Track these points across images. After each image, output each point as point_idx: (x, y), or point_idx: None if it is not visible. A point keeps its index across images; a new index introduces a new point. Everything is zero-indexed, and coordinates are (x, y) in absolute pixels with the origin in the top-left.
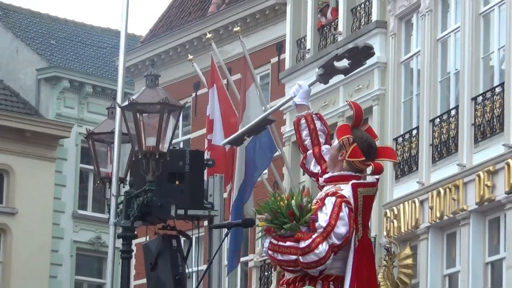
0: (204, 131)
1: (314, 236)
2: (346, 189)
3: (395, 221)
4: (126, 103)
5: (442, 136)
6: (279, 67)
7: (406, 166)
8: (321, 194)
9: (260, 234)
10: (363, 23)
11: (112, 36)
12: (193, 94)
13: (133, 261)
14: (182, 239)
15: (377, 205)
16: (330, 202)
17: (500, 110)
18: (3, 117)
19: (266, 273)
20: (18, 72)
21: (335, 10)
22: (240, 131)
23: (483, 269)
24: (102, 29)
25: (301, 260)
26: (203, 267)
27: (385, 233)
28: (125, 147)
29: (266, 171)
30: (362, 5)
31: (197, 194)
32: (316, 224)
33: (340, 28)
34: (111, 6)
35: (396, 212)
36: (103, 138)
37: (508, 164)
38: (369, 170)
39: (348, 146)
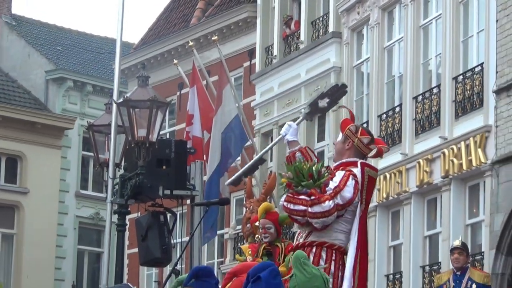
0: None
1: (323, 195)
2: (355, 169)
3: None
4: (121, 100)
5: (388, 129)
6: (251, 70)
7: None
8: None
9: (283, 190)
10: (321, 34)
11: (109, 43)
12: (178, 93)
13: (127, 233)
14: (168, 215)
15: None
16: (339, 174)
17: (437, 107)
18: (17, 111)
19: (239, 244)
20: (30, 73)
21: (298, 22)
22: (238, 172)
23: (422, 242)
24: (101, 37)
25: (309, 210)
26: (186, 239)
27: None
28: (120, 137)
29: (239, 158)
30: (321, 18)
31: (181, 177)
32: (327, 188)
33: (302, 37)
34: (108, 18)
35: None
36: (102, 130)
37: (443, 153)
38: (373, 151)
39: (353, 135)
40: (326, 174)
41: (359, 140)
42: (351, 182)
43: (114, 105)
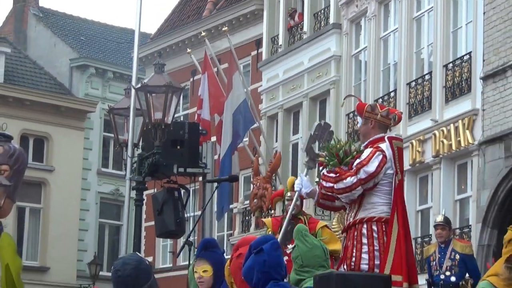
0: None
1: (347, 172)
2: (382, 145)
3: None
4: (139, 85)
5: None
6: (258, 58)
7: (356, 136)
8: None
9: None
10: (323, 25)
11: (128, 34)
12: (191, 79)
13: (144, 208)
14: (182, 191)
15: None
16: (367, 151)
17: (429, 92)
18: (44, 96)
19: (247, 218)
20: (55, 61)
21: (301, 14)
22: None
23: (415, 216)
24: (121, 28)
25: (335, 187)
26: (198, 213)
27: None
28: (138, 119)
29: (247, 138)
30: (322, 11)
31: (193, 156)
32: (353, 165)
33: (305, 28)
34: (127, 10)
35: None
36: (121, 113)
37: (434, 135)
38: (392, 119)
39: (372, 113)
40: (354, 153)
41: (380, 115)
42: (376, 158)
43: (133, 90)
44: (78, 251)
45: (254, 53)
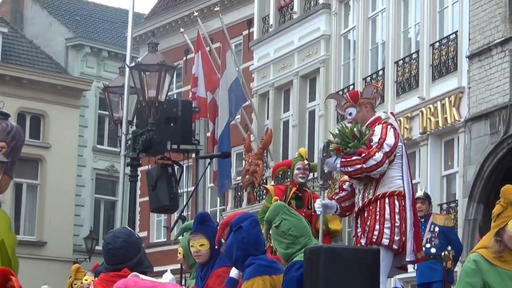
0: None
1: (371, 149)
2: (389, 120)
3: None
4: (133, 64)
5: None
6: (249, 38)
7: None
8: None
9: (333, 154)
10: (312, 5)
11: (122, 14)
12: (184, 58)
13: (138, 184)
14: (176, 167)
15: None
16: (378, 128)
17: (416, 71)
18: (40, 75)
19: (239, 193)
20: (51, 41)
21: None
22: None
23: None
24: (115, 8)
25: (364, 166)
26: (191, 188)
27: None
28: (132, 97)
29: (239, 116)
30: None
31: (187, 133)
32: (372, 143)
33: (295, 8)
34: None
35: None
36: (116, 91)
37: (421, 112)
38: (375, 99)
39: (365, 98)
40: (368, 131)
41: (369, 97)
42: (390, 130)
43: (127, 69)
44: (74, 226)
45: (245, 32)
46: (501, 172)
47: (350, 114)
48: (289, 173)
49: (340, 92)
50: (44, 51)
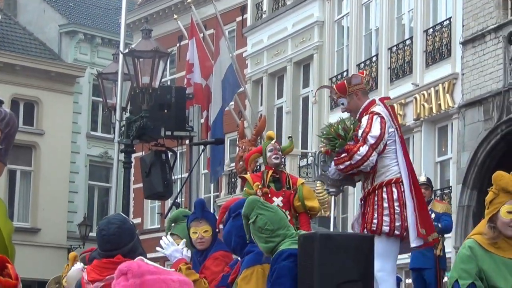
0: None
1: (356, 144)
2: (376, 107)
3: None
4: (127, 50)
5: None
6: (243, 24)
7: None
8: None
9: (323, 157)
10: None
11: (116, 0)
12: (178, 44)
13: (132, 170)
14: (169, 154)
15: (316, 128)
16: (364, 119)
17: (410, 57)
18: (34, 61)
19: (232, 180)
20: (45, 27)
21: None
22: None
23: None
24: None
25: (352, 162)
26: (185, 175)
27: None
28: (126, 84)
29: (232, 102)
30: None
31: (180, 119)
32: (358, 137)
33: None
34: None
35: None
36: (109, 77)
37: (415, 98)
38: (366, 83)
39: (353, 86)
40: (352, 126)
41: (358, 84)
42: (376, 121)
43: (121, 55)
44: (68, 212)
45: (239, 19)
46: (494, 158)
47: (342, 104)
48: (262, 160)
49: (334, 79)
50: (37, 38)
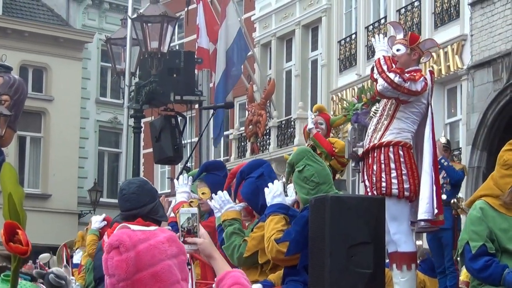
0: (194, 37)
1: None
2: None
3: (339, 104)
4: (135, 15)
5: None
6: None
7: (348, 62)
8: None
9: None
10: None
11: None
12: (185, 9)
13: (142, 135)
14: (179, 118)
15: (326, 91)
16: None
17: (418, 19)
18: (42, 27)
19: (242, 144)
20: None
21: None
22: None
23: None
24: None
25: (386, 72)
26: (195, 139)
27: (332, 112)
28: (134, 49)
29: (241, 66)
30: None
31: (190, 84)
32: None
33: None
34: None
35: (340, 97)
36: (118, 42)
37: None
38: (426, 56)
39: (423, 45)
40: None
41: (428, 52)
42: (422, 81)
43: (129, 20)
44: (78, 178)
45: None
46: (504, 119)
47: (398, 50)
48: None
49: (342, 42)
50: (45, 4)
